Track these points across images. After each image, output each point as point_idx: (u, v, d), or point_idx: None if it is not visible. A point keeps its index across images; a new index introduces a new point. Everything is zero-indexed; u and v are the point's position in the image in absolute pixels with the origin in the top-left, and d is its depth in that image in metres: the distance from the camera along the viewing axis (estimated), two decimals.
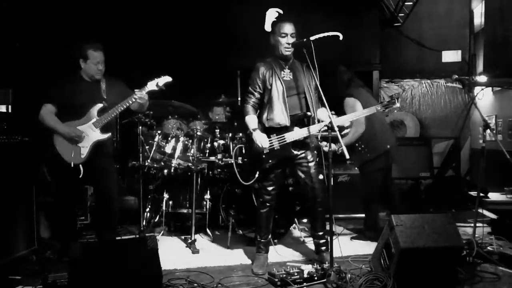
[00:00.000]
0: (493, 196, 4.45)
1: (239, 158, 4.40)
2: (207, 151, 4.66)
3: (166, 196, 4.53)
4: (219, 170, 4.73)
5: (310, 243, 3.99)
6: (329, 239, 3.23)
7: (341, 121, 3.51)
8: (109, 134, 3.69)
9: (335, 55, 5.32)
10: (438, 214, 3.27)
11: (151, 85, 3.67)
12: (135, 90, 3.65)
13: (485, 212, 4.62)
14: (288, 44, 3.48)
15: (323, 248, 3.65)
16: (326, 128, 3.30)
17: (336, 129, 3.18)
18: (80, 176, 3.59)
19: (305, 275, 3.13)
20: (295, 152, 3.53)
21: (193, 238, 4.16)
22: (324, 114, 3.43)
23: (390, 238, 3.06)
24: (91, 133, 3.63)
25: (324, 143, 3.93)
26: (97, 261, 2.75)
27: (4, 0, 5.36)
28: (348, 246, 4.02)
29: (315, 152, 3.67)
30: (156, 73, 3.74)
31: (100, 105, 3.66)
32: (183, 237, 4.52)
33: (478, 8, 6.67)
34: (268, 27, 3.62)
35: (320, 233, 3.66)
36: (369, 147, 4.23)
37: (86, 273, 2.69)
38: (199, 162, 4.47)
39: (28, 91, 5.12)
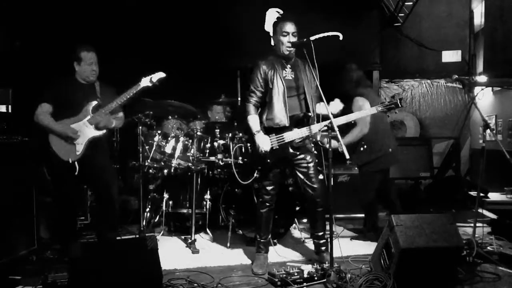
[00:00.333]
0: (493, 196, 4.45)
1: (239, 158, 4.40)
2: (207, 151, 4.65)
3: (166, 196, 4.53)
4: (219, 170, 4.73)
5: (310, 243, 3.99)
6: (329, 239, 3.23)
7: (341, 121, 3.51)
8: (104, 131, 3.71)
9: (334, 55, 5.32)
10: (438, 214, 3.27)
11: (145, 81, 3.72)
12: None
13: (485, 212, 4.62)
14: (290, 43, 3.48)
15: (323, 248, 3.65)
16: (326, 128, 3.29)
17: (336, 129, 3.18)
18: (76, 173, 3.60)
19: (305, 275, 3.13)
20: (294, 153, 3.53)
21: (193, 238, 4.16)
22: (323, 108, 3.42)
23: (390, 238, 3.06)
24: (86, 130, 3.65)
25: (326, 140, 3.94)
26: (97, 261, 2.75)
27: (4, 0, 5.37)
28: (348, 246, 4.02)
29: (315, 152, 3.67)
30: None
31: (95, 102, 3.70)
32: (183, 237, 4.52)
33: (478, 8, 6.67)
34: (268, 27, 3.62)
35: (320, 233, 3.66)
36: (372, 148, 4.23)
37: (86, 273, 2.69)
38: (199, 162, 4.47)
39: (28, 91, 5.12)
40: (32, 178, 3.82)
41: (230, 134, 4.61)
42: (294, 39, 3.48)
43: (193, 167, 4.36)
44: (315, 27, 3.64)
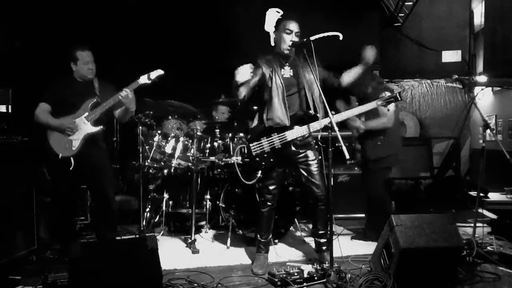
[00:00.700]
0: (493, 196, 4.46)
1: (239, 158, 4.39)
2: (207, 151, 4.65)
3: (166, 196, 4.53)
4: (219, 170, 4.73)
5: (310, 243, 3.99)
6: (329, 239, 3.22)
7: (340, 118, 3.49)
8: (100, 127, 3.73)
9: (334, 55, 5.31)
10: (438, 214, 3.27)
11: (143, 79, 3.73)
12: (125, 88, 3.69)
13: (485, 212, 4.63)
14: (291, 41, 3.48)
15: (324, 247, 3.64)
16: (329, 125, 3.28)
17: (336, 129, 3.17)
18: (71, 168, 3.60)
19: (305, 275, 3.13)
20: (297, 151, 3.53)
21: (193, 238, 4.16)
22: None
23: (390, 238, 3.06)
24: (83, 126, 3.68)
25: (358, 122, 4.09)
26: (97, 261, 2.75)
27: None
28: (348, 246, 4.01)
29: (317, 150, 3.66)
30: None
31: (93, 100, 3.73)
32: (183, 237, 4.52)
33: (478, 8, 6.67)
34: (268, 27, 3.61)
35: (322, 232, 3.64)
36: (388, 144, 4.22)
37: (86, 273, 2.69)
38: (199, 162, 4.47)
39: (28, 91, 5.12)
40: (32, 178, 3.83)
41: (230, 134, 4.62)
42: (296, 39, 3.48)
43: (193, 167, 4.36)
44: (315, 27, 3.63)
